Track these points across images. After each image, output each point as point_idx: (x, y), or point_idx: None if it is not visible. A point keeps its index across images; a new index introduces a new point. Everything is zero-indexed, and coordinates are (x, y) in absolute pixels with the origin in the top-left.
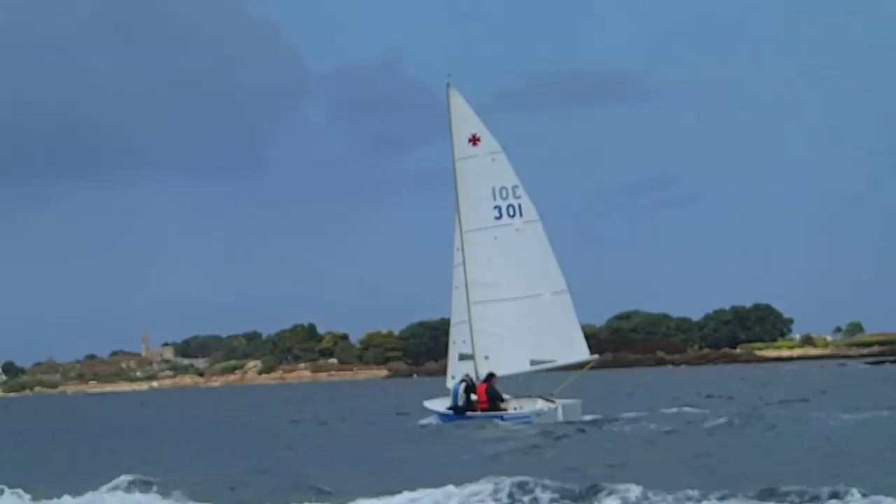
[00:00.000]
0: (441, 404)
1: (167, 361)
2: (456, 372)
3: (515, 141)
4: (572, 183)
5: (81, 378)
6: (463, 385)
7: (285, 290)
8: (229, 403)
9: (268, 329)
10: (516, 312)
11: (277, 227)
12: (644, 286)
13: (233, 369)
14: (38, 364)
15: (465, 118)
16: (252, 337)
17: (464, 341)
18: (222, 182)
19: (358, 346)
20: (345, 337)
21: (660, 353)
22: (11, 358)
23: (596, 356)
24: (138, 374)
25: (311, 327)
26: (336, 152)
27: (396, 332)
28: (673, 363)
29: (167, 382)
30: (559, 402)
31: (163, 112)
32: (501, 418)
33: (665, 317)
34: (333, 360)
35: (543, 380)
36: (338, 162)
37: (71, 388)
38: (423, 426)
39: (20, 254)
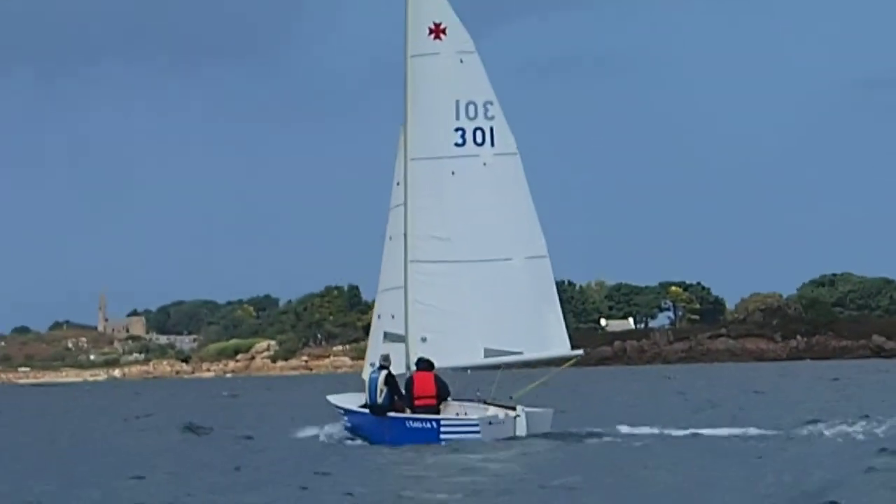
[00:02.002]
0: (352, 400)
1: (135, 339)
2: (378, 358)
3: None
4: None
5: (7, 362)
6: (383, 374)
7: (313, 236)
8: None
9: (287, 294)
10: (473, 281)
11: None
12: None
13: (234, 353)
14: None
15: None
16: (263, 304)
17: (393, 316)
18: (217, 68)
19: None
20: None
21: (876, 339)
22: None
23: (579, 352)
24: (92, 357)
25: (353, 291)
26: None
27: None
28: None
29: (136, 370)
30: (521, 409)
31: None
32: (437, 426)
33: (887, 282)
34: None
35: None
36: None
37: None
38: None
39: None
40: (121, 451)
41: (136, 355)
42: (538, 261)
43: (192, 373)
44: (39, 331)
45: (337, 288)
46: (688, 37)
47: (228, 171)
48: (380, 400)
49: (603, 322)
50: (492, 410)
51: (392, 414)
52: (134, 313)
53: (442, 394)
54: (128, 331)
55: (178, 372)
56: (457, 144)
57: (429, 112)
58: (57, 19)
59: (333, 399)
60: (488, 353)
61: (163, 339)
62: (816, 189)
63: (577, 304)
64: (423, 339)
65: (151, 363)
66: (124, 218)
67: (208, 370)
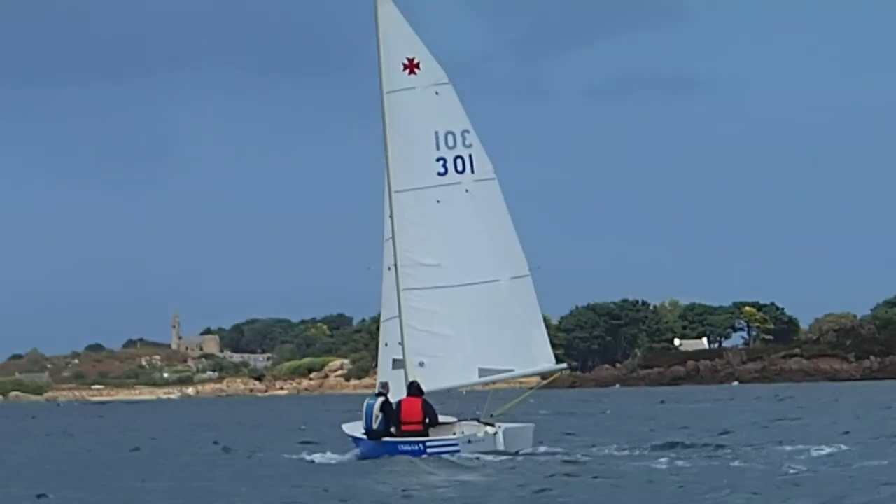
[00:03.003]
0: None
1: (209, 357)
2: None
3: None
4: None
5: (80, 379)
6: (379, 401)
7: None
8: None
9: (361, 313)
10: (463, 304)
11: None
12: None
13: (308, 371)
14: (16, 358)
15: (398, 34)
16: (337, 323)
17: (399, 343)
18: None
19: None
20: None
21: None
22: None
23: (563, 365)
24: (165, 374)
25: None
26: None
27: (555, 321)
28: None
29: (209, 388)
30: (501, 426)
31: None
32: (424, 446)
33: None
34: None
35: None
36: None
37: (64, 395)
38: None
39: None
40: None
41: (209, 373)
42: (522, 280)
43: (266, 391)
44: (113, 349)
45: None
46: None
47: (302, 187)
48: (375, 426)
49: (677, 342)
50: (472, 429)
51: (386, 439)
52: (207, 331)
53: (429, 418)
54: (201, 349)
55: (251, 390)
56: (439, 174)
57: (409, 144)
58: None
59: (346, 427)
60: (482, 372)
61: (236, 358)
62: (891, 208)
63: (650, 324)
64: (421, 364)
65: (225, 381)
66: (198, 236)
67: (282, 388)
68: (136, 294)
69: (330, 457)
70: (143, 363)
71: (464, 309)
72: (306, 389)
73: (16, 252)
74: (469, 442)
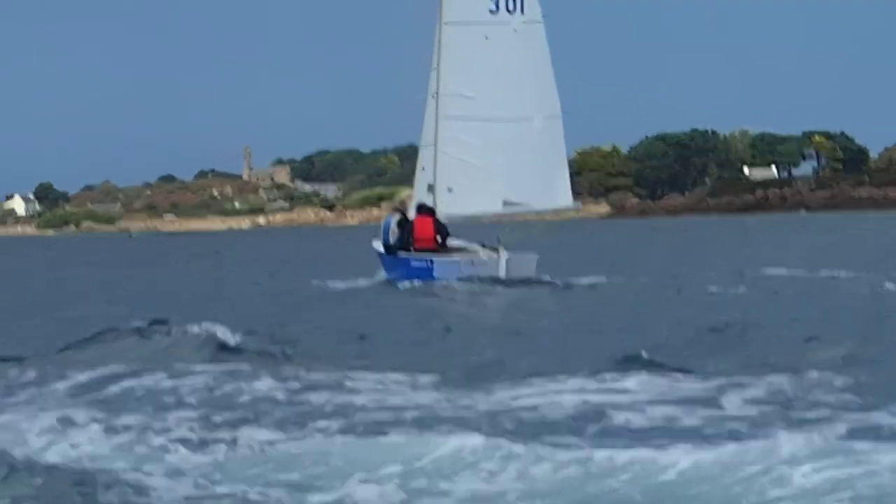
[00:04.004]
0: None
1: (280, 188)
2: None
3: None
4: None
5: (152, 210)
6: (396, 217)
7: None
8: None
9: None
10: (497, 137)
11: None
12: None
13: (378, 200)
14: (88, 188)
15: None
16: (408, 153)
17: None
18: None
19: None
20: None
21: None
22: (49, 179)
23: (578, 204)
24: (237, 204)
25: None
26: None
27: (624, 151)
28: None
29: (280, 218)
30: (504, 252)
31: None
32: (431, 264)
33: None
34: None
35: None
36: None
37: (136, 225)
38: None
39: (56, 24)
40: None
41: (280, 202)
42: (554, 121)
43: (337, 220)
44: (185, 179)
45: None
46: None
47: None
48: (392, 240)
49: (746, 171)
50: (477, 252)
51: (401, 253)
52: (278, 162)
53: (440, 235)
54: (272, 179)
55: (322, 220)
56: (491, 11)
57: None
58: None
59: (374, 243)
60: (506, 203)
61: (307, 188)
62: None
63: (720, 154)
64: (449, 190)
65: (296, 211)
66: (268, 67)
67: (352, 218)
68: (208, 126)
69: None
70: (215, 194)
71: (495, 142)
72: (377, 218)
73: (89, 83)
74: (472, 264)
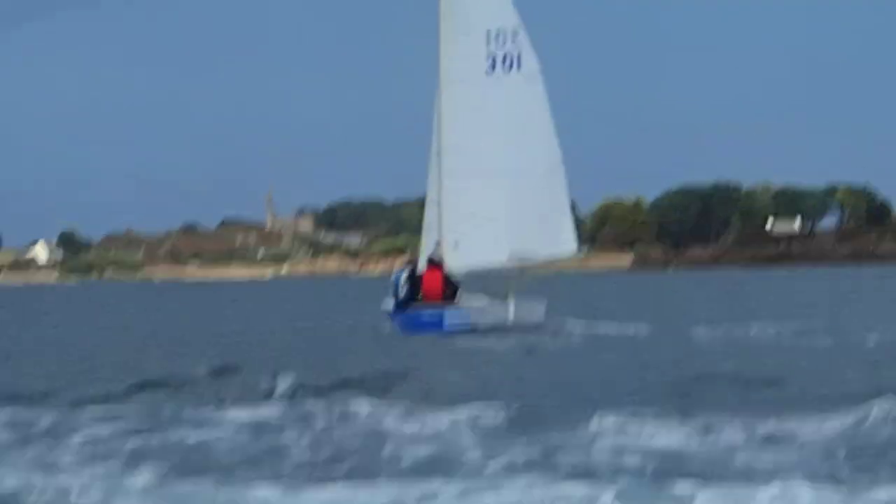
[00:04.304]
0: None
1: (303, 237)
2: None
3: None
4: None
5: (175, 258)
6: (406, 272)
7: None
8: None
9: None
10: (501, 190)
11: None
12: None
13: (401, 249)
14: (111, 236)
15: None
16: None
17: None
18: None
19: (589, 220)
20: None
21: None
22: (72, 227)
23: (582, 251)
24: (260, 254)
25: None
26: None
27: (647, 202)
28: None
29: (302, 268)
30: (512, 301)
31: None
32: (442, 318)
33: None
34: None
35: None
36: None
37: (160, 273)
38: None
39: (78, 65)
40: None
41: (303, 251)
42: (556, 170)
43: (360, 270)
44: (208, 227)
45: None
46: None
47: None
48: (401, 295)
49: (769, 223)
50: (485, 302)
51: (412, 306)
52: (302, 212)
53: (449, 289)
54: (296, 228)
55: (344, 270)
56: (487, 71)
57: (462, 40)
58: None
59: (383, 304)
60: (512, 254)
61: (330, 238)
62: None
63: (743, 206)
64: (456, 244)
65: (319, 261)
66: (293, 115)
67: (374, 267)
68: (231, 174)
69: None
70: (238, 242)
71: (499, 194)
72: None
73: (111, 131)
74: (482, 313)
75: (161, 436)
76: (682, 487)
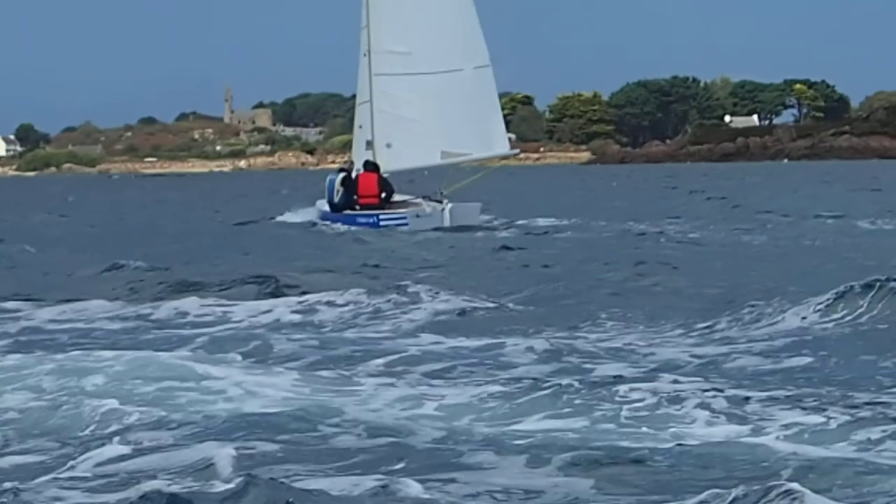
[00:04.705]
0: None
1: (261, 131)
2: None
3: None
4: None
5: (133, 152)
6: (340, 176)
7: None
8: None
9: None
10: (430, 90)
11: None
12: None
13: None
14: (69, 130)
15: None
16: None
17: (361, 126)
18: None
19: (548, 115)
20: (528, 101)
21: None
22: (30, 120)
23: (516, 150)
24: (218, 148)
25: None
26: None
27: (605, 96)
28: None
29: (260, 161)
30: (448, 203)
31: None
32: (377, 219)
33: None
34: (511, 136)
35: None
36: None
37: (117, 167)
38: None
39: None
40: None
41: (261, 147)
42: (484, 70)
43: (318, 165)
44: (166, 122)
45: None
46: None
47: None
48: (336, 199)
49: (727, 119)
50: (421, 205)
51: (346, 211)
52: (260, 105)
53: (385, 192)
54: (254, 123)
55: (303, 164)
56: None
57: None
58: None
59: (318, 203)
60: (444, 154)
61: (289, 132)
62: None
63: (701, 101)
64: (388, 145)
65: (277, 154)
66: (250, 9)
67: (333, 162)
68: (189, 68)
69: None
70: (196, 136)
71: (430, 95)
72: None
73: (71, 26)
74: (417, 216)
75: None
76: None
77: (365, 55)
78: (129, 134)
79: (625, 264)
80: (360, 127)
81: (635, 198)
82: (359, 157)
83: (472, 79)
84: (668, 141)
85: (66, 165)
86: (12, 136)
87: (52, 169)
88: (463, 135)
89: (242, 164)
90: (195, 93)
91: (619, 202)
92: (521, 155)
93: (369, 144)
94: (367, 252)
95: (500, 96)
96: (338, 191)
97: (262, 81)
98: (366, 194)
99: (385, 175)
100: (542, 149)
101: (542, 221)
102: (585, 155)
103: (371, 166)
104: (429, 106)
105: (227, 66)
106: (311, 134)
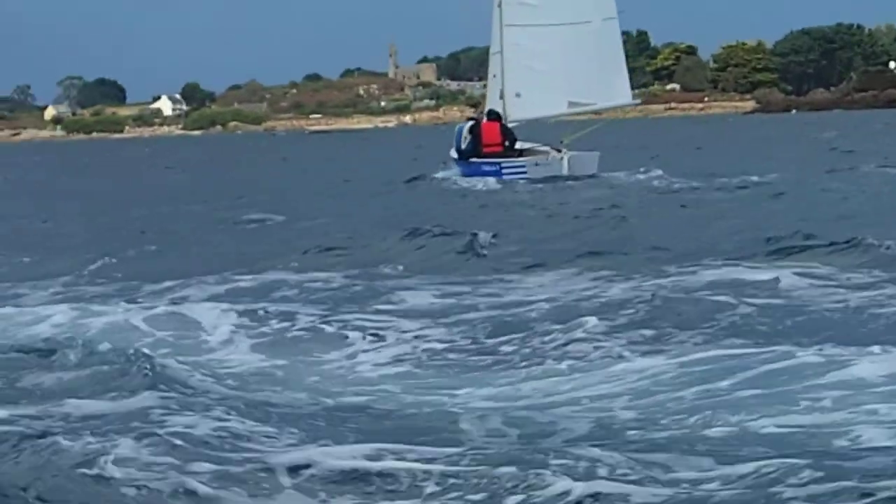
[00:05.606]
0: None
1: (426, 86)
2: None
3: None
4: None
5: (298, 109)
6: (468, 124)
7: None
8: None
9: None
10: (558, 42)
11: None
12: None
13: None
14: (234, 88)
15: None
16: None
17: (494, 75)
18: None
19: (712, 64)
20: (692, 51)
21: None
22: (196, 79)
23: (638, 101)
24: (383, 103)
25: (642, 36)
26: None
27: (769, 45)
28: None
29: (426, 116)
30: (567, 152)
31: None
32: (500, 168)
33: None
34: (674, 87)
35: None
36: None
37: (282, 124)
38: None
39: None
40: None
41: (426, 101)
42: (611, 22)
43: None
44: (331, 78)
45: (625, 33)
46: None
47: None
48: (464, 146)
49: (892, 65)
50: (547, 153)
51: (473, 159)
52: (424, 60)
53: (508, 140)
54: (418, 77)
55: (468, 118)
56: None
57: None
58: None
59: (451, 152)
60: (571, 104)
61: (453, 86)
62: None
63: (865, 48)
64: (517, 95)
65: (441, 109)
66: None
67: None
68: (354, 24)
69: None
70: (361, 92)
71: (558, 46)
72: None
73: None
74: (536, 164)
75: None
76: None
77: (498, 6)
78: (294, 91)
79: None
80: (494, 76)
81: None
82: (492, 105)
83: (600, 30)
84: (832, 88)
85: (232, 123)
86: (178, 95)
87: (218, 127)
88: (588, 85)
89: (407, 119)
90: (360, 49)
91: None
92: (685, 104)
93: (502, 94)
94: None
95: (664, 46)
96: (465, 138)
97: (427, 37)
98: (489, 143)
99: (514, 124)
100: (706, 98)
101: None
102: (750, 104)
103: (494, 115)
104: (556, 56)
105: (391, 22)
106: (477, 88)
